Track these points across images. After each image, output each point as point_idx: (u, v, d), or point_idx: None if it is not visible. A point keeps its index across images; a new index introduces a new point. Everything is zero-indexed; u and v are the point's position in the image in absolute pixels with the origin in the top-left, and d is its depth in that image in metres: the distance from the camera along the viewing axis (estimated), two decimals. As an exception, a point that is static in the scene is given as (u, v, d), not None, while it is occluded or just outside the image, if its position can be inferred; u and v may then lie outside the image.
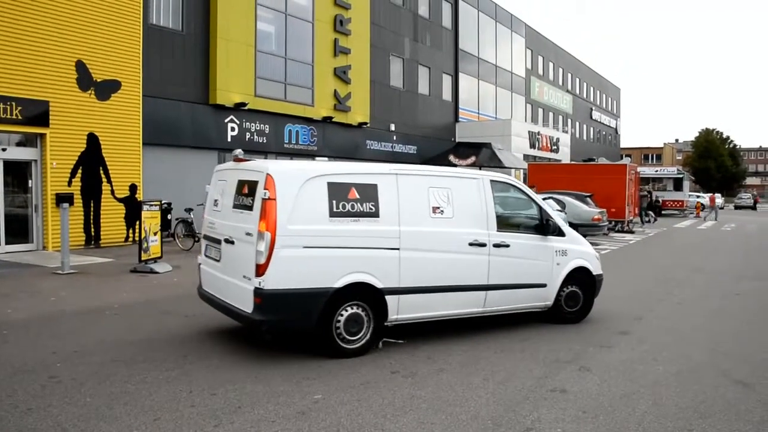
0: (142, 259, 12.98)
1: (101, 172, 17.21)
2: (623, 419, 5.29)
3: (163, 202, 14.99)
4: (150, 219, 13.25)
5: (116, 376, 6.11)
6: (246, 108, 22.23)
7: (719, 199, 52.16)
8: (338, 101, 26.50)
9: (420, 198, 7.50)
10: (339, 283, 6.78)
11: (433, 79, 34.58)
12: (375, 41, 29.01)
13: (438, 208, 7.60)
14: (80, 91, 16.55)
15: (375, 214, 7.07)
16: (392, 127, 30.65)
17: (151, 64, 18.95)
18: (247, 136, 22.64)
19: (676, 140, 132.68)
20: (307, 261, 6.64)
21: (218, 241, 7.45)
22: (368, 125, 28.50)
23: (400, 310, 7.29)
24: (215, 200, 7.81)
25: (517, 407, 5.49)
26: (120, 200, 17.66)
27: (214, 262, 7.57)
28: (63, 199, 15.61)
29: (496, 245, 8.02)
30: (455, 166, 30.17)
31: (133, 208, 17.31)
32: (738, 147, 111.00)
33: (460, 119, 37.04)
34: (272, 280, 6.45)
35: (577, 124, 59.10)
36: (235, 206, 7.18)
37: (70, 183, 16.48)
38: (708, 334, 8.76)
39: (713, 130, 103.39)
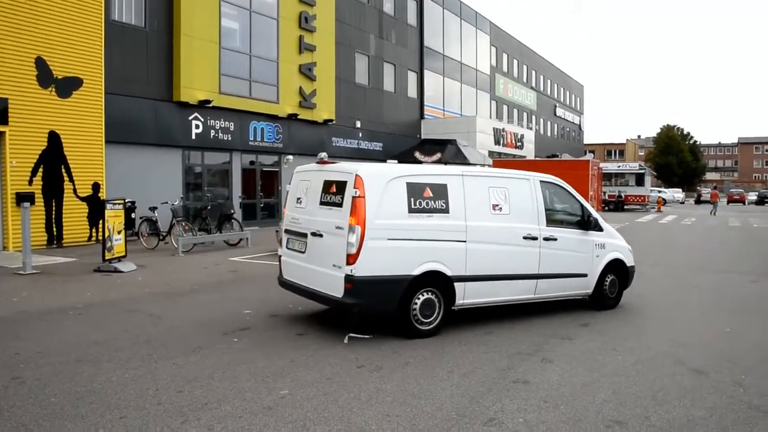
0: (106, 258, 12.86)
1: (63, 170, 16.99)
2: (583, 407, 5.44)
3: (126, 200, 14.86)
4: (113, 218, 13.14)
5: (81, 375, 6.08)
6: (210, 105, 22.09)
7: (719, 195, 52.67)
8: (303, 98, 26.47)
9: (482, 196, 8.42)
10: (416, 271, 7.63)
11: (399, 76, 34.70)
12: (340, 38, 29.02)
13: (497, 205, 8.54)
14: (40, 88, 16.31)
15: (446, 211, 7.97)
16: (358, 124, 30.71)
17: (113, 61, 18.74)
18: (212, 134, 22.50)
19: (639, 136, 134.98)
20: (390, 251, 7.49)
21: (303, 235, 8.24)
22: (334, 122, 28.52)
23: (465, 295, 8.18)
24: (298, 198, 8.61)
25: (481, 398, 5.61)
26: (83, 199, 17.44)
27: (299, 253, 8.35)
28: (24, 198, 15.37)
29: (546, 239, 8.97)
30: (420, 162, 30.34)
31: (96, 207, 17.12)
32: (698, 143, 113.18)
33: (425, 116, 37.21)
34: (361, 268, 7.29)
35: (542, 120, 59.78)
36: (323, 203, 8.00)
37: (31, 182, 16.24)
38: (666, 325, 9.00)
39: (674, 126, 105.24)
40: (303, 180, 8.66)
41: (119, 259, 13.18)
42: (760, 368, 6.83)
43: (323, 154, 8.43)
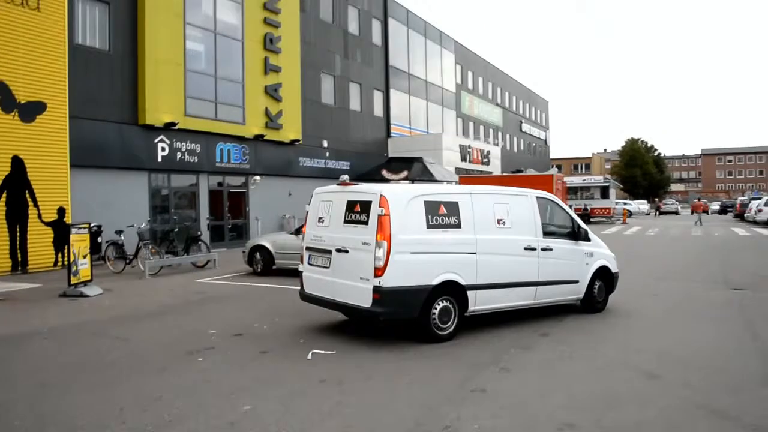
0: (72, 282, 12.83)
1: (27, 195, 16.91)
2: (536, 413, 5.66)
3: (92, 224, 14.83)
4: (79, 242, 13.13)
5: (46, 398, 6.15)
6: (176, 128, 22.10)
7: (704, 203, 53.05)
8: (270, 119, 26.61)
9: (488, 212, 9.27)
10: (435, 281, 8.37)
11: (365, 95, 35.03)
12: (305, 59, 29.26)
13: (501, 219, 9.39)
14: (3, 113, 16.27)
15: (458, 226, 8.78)
16: (325, 144, 30.90)
17: (77, 85, 18.72)
18: (178, 156, 22.52)
19: (605, 150, 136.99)
20: (413, 264, 8.23)
21: (328, 252, 8.88)
22: (301, 142, 28.67)
23: (477, 302, 8.91)
24: (320, 218, 9.26)
25: (439, 408, 5.80)
26: (48, 224, 17.36)
27: (322, 269, 8.98)
28: (-13, 224, 15.25)
29: (543, 249, 9.86)
30: (388, 181, 30.61)
31: (61, 232, 17.03)
32: (662, 155, 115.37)
33: (392, 134, 37.57)
34: (388, 280, 8.00)
35: (508, 136, 60.56)
36: (347, 222, 8.66)
37: (-6, 208, 16.13)
38: (624, 332, 9.32)
39: (638, 139, 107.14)
40: (324, 201, 9.32)
41: (85, 283, 13.15)
42: (708, 370, 7.13)
43: (345, 177, 9.19)
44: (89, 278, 13.36)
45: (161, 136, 21.80)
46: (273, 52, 26.78)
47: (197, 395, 6.20)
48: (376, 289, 8.00)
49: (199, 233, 19.10)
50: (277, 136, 27.20)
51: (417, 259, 8.27)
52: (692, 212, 47.66)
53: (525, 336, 8.90)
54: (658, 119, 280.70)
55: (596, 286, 10.81)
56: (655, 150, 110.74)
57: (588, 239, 10.88)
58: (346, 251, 8.56)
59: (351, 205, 8.68)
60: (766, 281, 14.38)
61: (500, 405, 5.87)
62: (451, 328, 8.59)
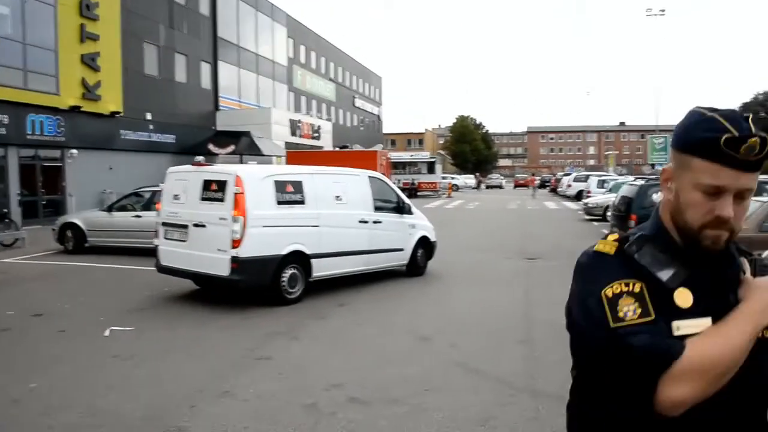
0: None
1: None
2: (313, 377, 6.25)
3: None
4: None
5: None
6: (-21, 97, 20.68)
7: (537, 180, 59.11)
8: (87, 90, 25.43)
9: (328, 189, 10.52)
10: (284, 251, 9.47)
11: (191, 67, 34.25)
12: (127, 27, 28.11)
13: (339, 196, 10.65)
14: None
15: (303, 202, 9.93)
16: (148, 116, 29.95)
17: None
18: (-18, 127, 21.09)
19: (440, 125, 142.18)
20: (265, 236, 9.26)
21: (184, 227, 9.65)
22: (122, 114, 27.63)
23: (319, 269, 10.13)
24: (175, 195, 9.93)
25: (223, 375, 6.26)
26: None
27: (179, 242, 9.74)
28: None
29: (375, 222, 11.27)
30: (215, 155, 30.38)
31: None
32: (489, 132, 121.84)
33: (220, 107, 37.06)
34: (244, 251, 8.96)
35: (341, 111, 61.51)
36: (204, 199, 9.48)
37: None
38: (416, 300, 10.25)
39: (468, 116, 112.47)
40: (179, 180, 10.09)
41: None
42: (477, 332, 8.09)
43: (201, 158, 10.08)
44: None
45: (-39, 106, 20.31)
46: (90, 19, 25.54)
47: (-18, 376, 6.25)
48: (234, 259, 8.93)
49: (5, 210, 18.15)
50: (96, 107, 26.07)
51: (269, 232, 9.31)
52: (528, 186, 53.27)
53: (324, 306, 9.54)
54: (487, 97, 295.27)
55: (419, 254, 12.32)
56: (484, 127, 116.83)
57: (411, 213, 12.38)
58: (204, 226, 9.40)
59: (207, 184, 9.52)
60: (558, 251, 15.83)
61: (280, 371, 6.44)
62: (299, 292, 9.71)
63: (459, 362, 6.85)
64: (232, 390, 5.82)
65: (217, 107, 36.88)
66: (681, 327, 1.49)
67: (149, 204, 14.92)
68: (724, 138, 1.44)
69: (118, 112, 27.31)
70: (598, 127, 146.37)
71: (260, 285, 9.38)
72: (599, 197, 27.45)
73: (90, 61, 25.54)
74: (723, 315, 1.50)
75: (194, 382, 6.06)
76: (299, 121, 41.88)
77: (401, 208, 12.17)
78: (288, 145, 38.41)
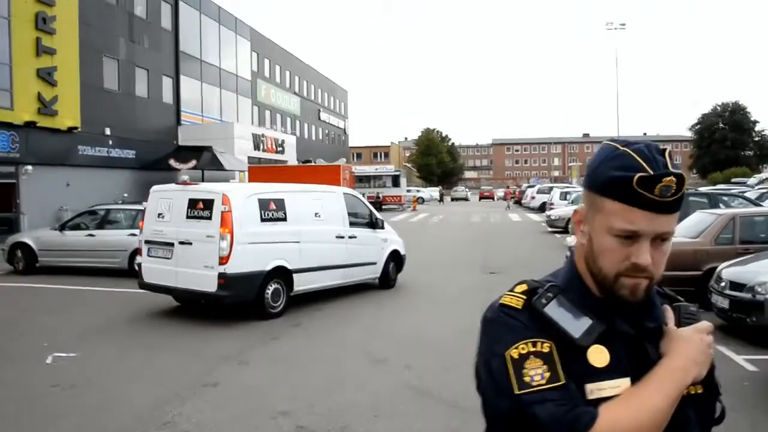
0: None
1: None
2: (257, 404, 6.09)
3: None
4: None
5: None
6: (-72, 112, 20.09)
7: (512, 192, 59.53)
8: (43, 104, 24.88)
9: (308, 207, 10.91)
10: (268, 267, 9.78)
11: (152, 81, 33.79)
12: (85, 41, 27.61)
13: (317, 213, 11.05)
14: None
15: (284, 219, 10.30)
16: (108, 132, 29.45)
17: None
18: (-68, 144, 20.48)
19: (405, 138, 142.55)
20: (251, 253, 9.56)
21: (169, 244, 9.79)
22: (80, 130, 27.09)
23: (300, 283, 10.46)
24: (159, 213, 10.08)
25: (166, 403, 6.05)
26: None
27: (164, 260, 9.87)
28: None
29: (350, 237, 11.69)
30: (176, 170, 29.89)
31: None
32: (455, 144, 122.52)
33: (182, 122, 36.60)
34: (231, 267, 9.22)
35: (306, 125, 61.23)
36: (189, 217, 9.66)
37: None
38: (368, 319, 10.10)
39: (434, 129, 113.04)
40: (163, 198, 10.26)
41: None
42: (430, 352, 7.97)
43: (186, 177, 10.58)
44: None
45: None
46: (47, 33, 25.02)
47: None
48: (221, 275, 9.20)
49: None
50: (53, 123, 25.52)
51: (254, 248, 9.62)
52: (504, 199, 55.93)
53: (277, 327, 9.37)
54: (453, 110, 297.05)
55: (390, 267, 12.83)
56: (449, 140, 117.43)
57: (383, 227, 12.92)
58: (190, 243, 9.59)
59: (193, 203, 9.74)
60: (519, 265, 15.78)
61: (226, 398, 6.25)
62: (281, 306, 10.01)
63: (411, 385, 6.73)
64: (173, 420, 5.62)
65: (179, 122, 36.42)
66: (595, 390, 1.34)
67: (103, 222, 14.59)
68: (636, 177, 1.30)
69: (75, 128, 26.76)
70: (563, 139, 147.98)
71: (245, 300, 9.60)
72: (562, 209, 27.63)
73: (46, 76, 25.01)
74: (643, 373, 1.35)
75: (133, 411, 5.84)
76: (263, 136, 41.52)
77: (374, 223, 12.63)
78: (251, 159, 38.03)
